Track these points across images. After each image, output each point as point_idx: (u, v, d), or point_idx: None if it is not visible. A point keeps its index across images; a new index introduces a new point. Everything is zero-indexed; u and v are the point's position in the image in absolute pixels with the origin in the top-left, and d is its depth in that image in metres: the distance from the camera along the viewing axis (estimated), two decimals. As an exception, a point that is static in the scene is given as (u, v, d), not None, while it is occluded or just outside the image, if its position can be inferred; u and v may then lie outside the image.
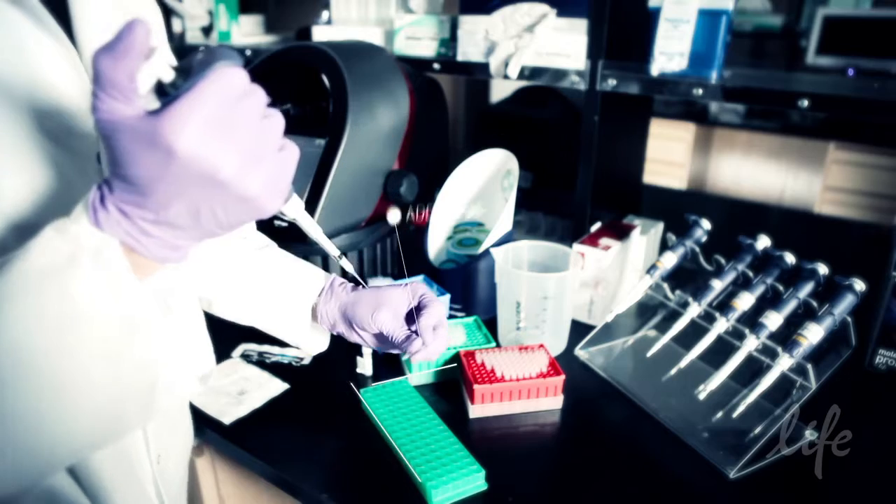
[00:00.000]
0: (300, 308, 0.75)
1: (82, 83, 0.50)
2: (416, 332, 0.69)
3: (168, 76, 0.37)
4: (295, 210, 0.52)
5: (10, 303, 0.37)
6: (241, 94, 0.37)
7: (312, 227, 0.58)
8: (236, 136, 0.36)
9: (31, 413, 0.38)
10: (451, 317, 1.02)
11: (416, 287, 0.73)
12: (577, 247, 1.01)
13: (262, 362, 0.92)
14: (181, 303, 0.46)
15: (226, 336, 0.84)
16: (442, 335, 0.69)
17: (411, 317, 0.72)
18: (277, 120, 0.40)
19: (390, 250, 1.12)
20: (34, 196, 0.46)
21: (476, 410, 0.81)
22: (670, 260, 0.91)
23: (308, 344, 0.77)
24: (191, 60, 0.38)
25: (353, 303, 0.72)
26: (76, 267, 0.38)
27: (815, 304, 0.77)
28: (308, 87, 1.03)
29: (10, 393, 0.37)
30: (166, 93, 0.37)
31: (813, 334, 0.72)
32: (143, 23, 0.34)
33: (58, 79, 0.48)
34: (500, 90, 1.80)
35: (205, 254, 0.71)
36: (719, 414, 0.79)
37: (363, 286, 0.73)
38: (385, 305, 0.70)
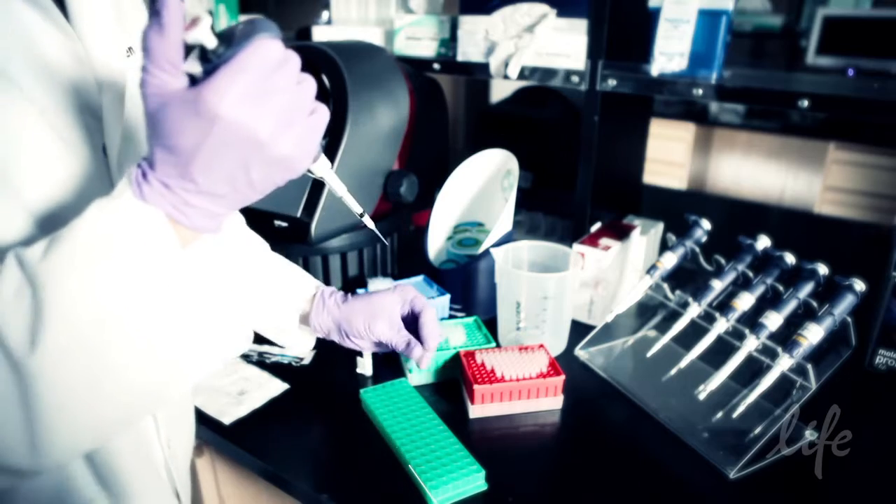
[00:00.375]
0: (288, 313, 0.76)
1: (86, 76, 0.50)
2: (415, 338, 0.70)
3: (211, 43, 0.39)
4: (322, 169, 0.53)
5: (61, 279, 0.39)
6: (277, 64, 0.39)
7: (338, 185, 0.59)
8: (272, 102, 0.39)
9: (87, 380, 0.40)
10: (451, 317, 1.02)
11: (404, 291, 0.74)
12: (577, 247, 1.01)
13: (262, 362, 0.92)
14: (214, 273, 0.49)
15: (226, 336, 0.84)
16: (436, 335, 0.72)
17: (406, 318, 0.73)
18: (310, 85, 0.42)
19: (390, 250, 1.12)
20: (52, 190, 0.46)
21: (476, 410, 0.81)
22: (670, 260, 0.91)
23: (294, 346, 0.78)
24: (233, 29, 0.40)
25: (347, 317, 0.72)
26: (123, 239, 0.40)
27: (815, 304, 0.77)
28: (308, 87, 1.03)
29: (67, 364, 0.39)
30: (209, 60, 0.39)
31: (813, 334, 0.72)
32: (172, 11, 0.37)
33: (65, 70, 0.48)
34: (500, 90, 1.80)
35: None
36: (719, 414, 0.79)
37: (383, 242, 0.74)
38: (379, 316, 0.70)
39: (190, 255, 0.44)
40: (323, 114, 0.44)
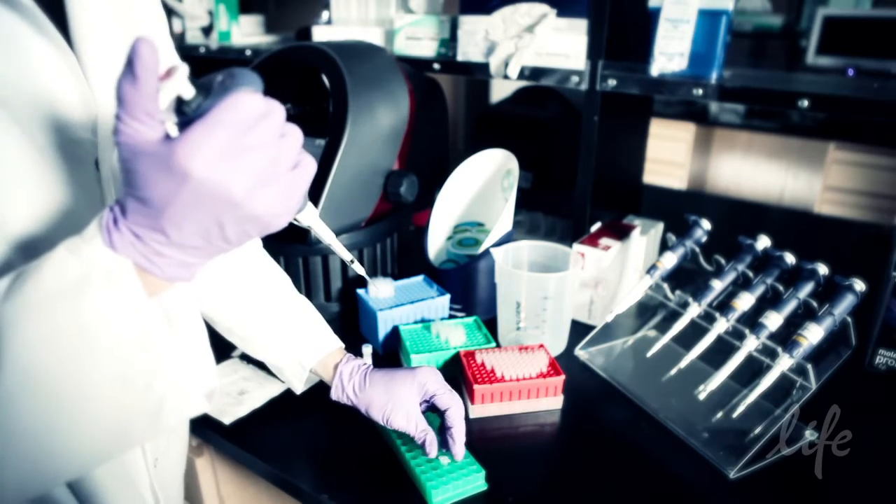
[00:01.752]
0: (301, 365, 0.75)
1: (81, 89, 0.50)
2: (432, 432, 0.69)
3: (188, 94, 0.37)
4: (309, 218, 0.53)
5: (22, 322, 0.38)
6: (255, 119, 0.37)
7: (326, 233, 0.60)
8: (249, 160, 0.37)
9: (39, 429, 0.39)
10: (451, 317, 1.02)
11: (422, 378, 0.71)
12: (577, 247, 1.01)
13: (262, 362, 0.92)
14: (185, 320, 0.46)
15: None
16: (462, 437, 0.69)
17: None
18: (293, 138, 0.40)
19: (390, 250, 1.12)
20: (39, 208, 0.46)
21: (476, 410, 0.81)
22: (670, 260, 0.91)
23: (297, 388, 0.78)
24: (212, 80, 0.38)
25: (365, 407, 0.71)
26: (89, 287, 0.39)
27: (815, 304, 0.77)
28: (308, 87, 1.03)
29: (18, 410, 0.38)
30: (184, 112, 0.37)
31: (813, 334, 0.72)
32: (148, 42, 0.35)
33: (58, 86, 0.48)
34: (500, 90, 1.80)
35: (213, 273, 0.72)
36: (719, 414, 0.79)
37: (369, 282, 0.74)
38: (396, 408, 0.69)
39: (159, 304, 0.42)
40: (308, 167, 0.42)
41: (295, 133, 0.40)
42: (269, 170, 0.39)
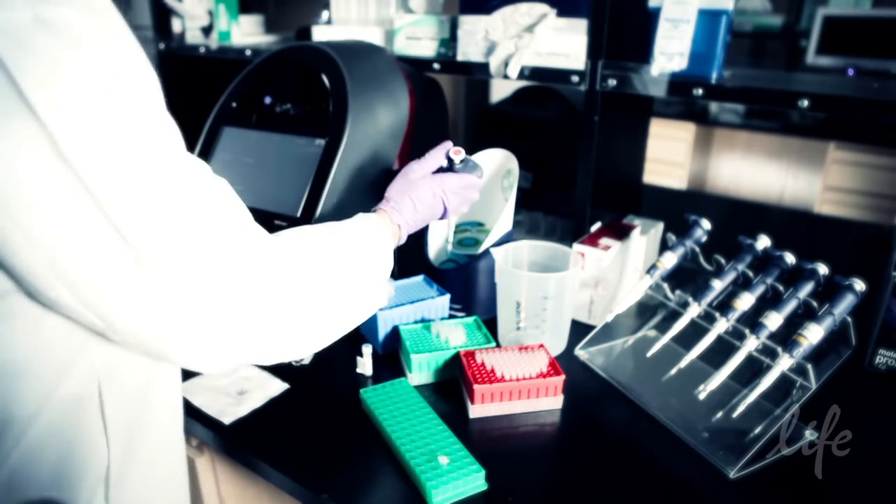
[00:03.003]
0: None
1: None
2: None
3: (458, 161, 0.84)
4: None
5: (341, 246, 0.66)
6: (472, 186, 0.86)
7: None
8: (462, 197, 0.86)
9: (342, 299, 0.64)
10: (451, 317, 1.02)
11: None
12: (577, 247, 1.01)
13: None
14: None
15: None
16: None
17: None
18: (476, 192, 0.88)
19: (390, 250, 1.11)
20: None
21: (476, 410, 0.81)
22: (670, 260, 0.91)
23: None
24: (468, 159, 0.86)
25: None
26: (380, 232, 0.74)
27: (815, 304, 0.77)
28: (308, 87, 1.03)
29: (333, 290, 0.63)
30: (452, 168, 0.85)
31: (813, 334, 0.72)
32: (449, 146, 0.85)
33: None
34: (500, 90, 1.80)
35: None
36: (719, 414, 0.79)
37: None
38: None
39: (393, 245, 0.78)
40: (473, 197, 0.88)
41: (475, 192, 0.88)
42: (464, 202, 0.87)
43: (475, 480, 0.69)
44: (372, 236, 0.72)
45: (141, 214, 0.45)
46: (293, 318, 0.58)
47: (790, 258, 0.83)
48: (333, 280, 0.63)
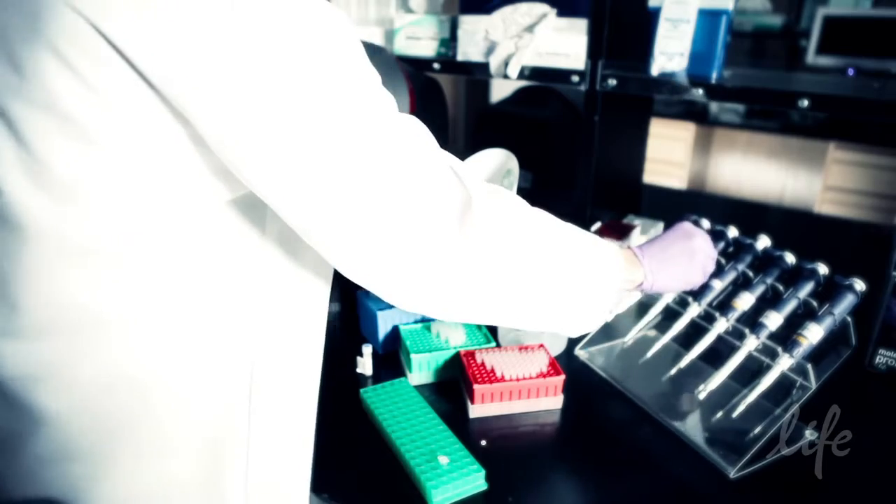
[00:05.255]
0: None
1: None
2: None
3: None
4: None
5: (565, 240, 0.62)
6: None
7: None
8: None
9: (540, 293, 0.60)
10: (451, 317, 1.02)
11: None
12: (577, 247, 1.01)
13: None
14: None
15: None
16: None
17: None
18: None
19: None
20: None
21: (476, 410, 0.81)
22: (670, 260, 0.91)
23: None
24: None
25: None
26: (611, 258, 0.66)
27: (815, 303, 0.77)
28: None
29: (536, 276, 0.59)
30: None
31: (813, 334, 0.72)
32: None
33: None
34: (500, 90, 1.80)
35: None
36: (719, 414, 0.79)
37: None
38: None
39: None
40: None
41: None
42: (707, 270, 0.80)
43: (475, 480, 0.69)
44: (601, 255, 0.64)
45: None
46: (483, 287, 0.56)
47: (790, 258, 0.83)
48: (540, 267, 0.59)
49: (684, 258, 0.72)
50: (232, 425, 0.55)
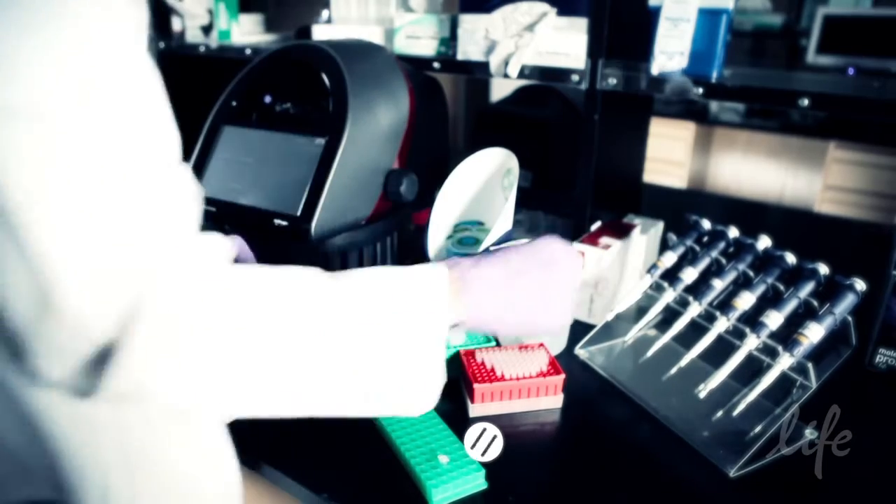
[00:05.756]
0: None
1: None
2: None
3: None
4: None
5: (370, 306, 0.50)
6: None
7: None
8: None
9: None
10: (451, 316, 1.02)
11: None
12: (577, 246, 1.01)
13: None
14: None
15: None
16: None
17: None
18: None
19: (390, 249, 1.12)
20: None
21: (476, 409, 0.81)
22: (670, 259, 0.91)
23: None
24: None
25: None
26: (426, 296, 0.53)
27: (815, 303, 0.77)
28: (308, 86, 1.03)
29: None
30: None
31: (813, 333, 0.72)
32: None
33: None
34: (500, 89, 1.80)
35: None
36: (719, 413, 0.79)
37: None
38: None
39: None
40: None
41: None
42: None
43: (475, 479, 0.69)
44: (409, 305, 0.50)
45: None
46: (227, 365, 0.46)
47: (791, 258, 0.83)
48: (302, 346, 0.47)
49: (534, 293, 0.52)
50: None
